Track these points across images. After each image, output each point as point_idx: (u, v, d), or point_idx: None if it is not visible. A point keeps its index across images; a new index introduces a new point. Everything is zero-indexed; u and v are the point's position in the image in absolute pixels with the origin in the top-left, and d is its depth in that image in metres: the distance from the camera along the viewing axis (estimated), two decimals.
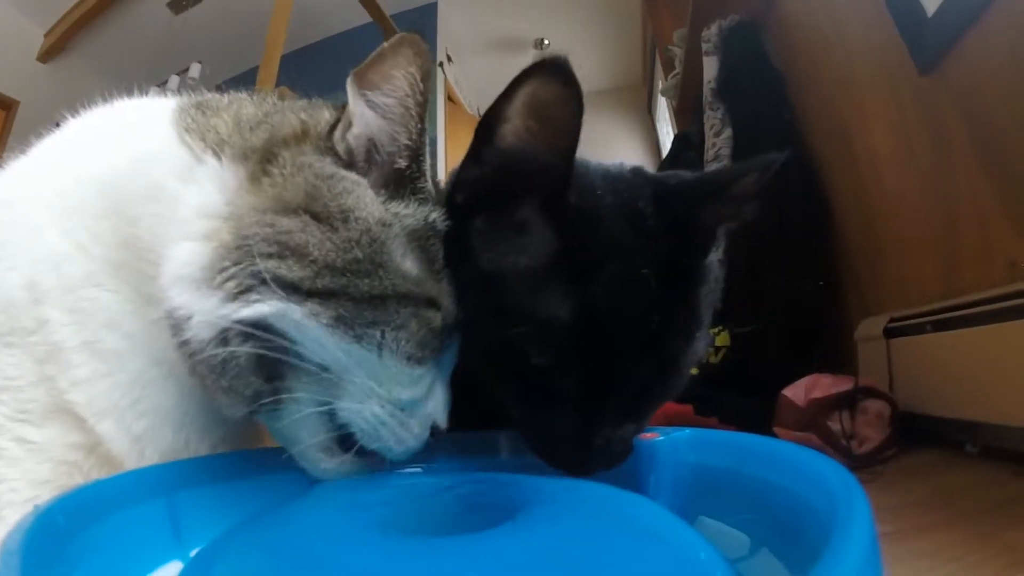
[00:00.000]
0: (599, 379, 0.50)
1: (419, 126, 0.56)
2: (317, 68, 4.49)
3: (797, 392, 1.55)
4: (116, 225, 0.54)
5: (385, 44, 0.55)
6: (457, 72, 5.24)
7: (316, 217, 0.51)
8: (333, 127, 0.57)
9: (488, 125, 0.53)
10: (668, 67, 3.58)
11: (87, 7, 4.42)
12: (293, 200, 0.51)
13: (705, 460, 0.49)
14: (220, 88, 0.73)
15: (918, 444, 1.46)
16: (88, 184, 0.56)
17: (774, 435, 1.53)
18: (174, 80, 4.60)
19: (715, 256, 0.57)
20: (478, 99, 5.82)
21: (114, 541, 0.41)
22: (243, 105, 0.62)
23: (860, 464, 1.36)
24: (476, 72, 5.56)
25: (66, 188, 0.56)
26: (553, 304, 0.49)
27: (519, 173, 0.52)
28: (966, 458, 1.29)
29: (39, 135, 0.64)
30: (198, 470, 0.53)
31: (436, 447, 0.58)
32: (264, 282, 0.48)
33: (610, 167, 0.59)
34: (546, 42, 5.33)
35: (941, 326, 1.42)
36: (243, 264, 0.49)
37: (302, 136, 0.57)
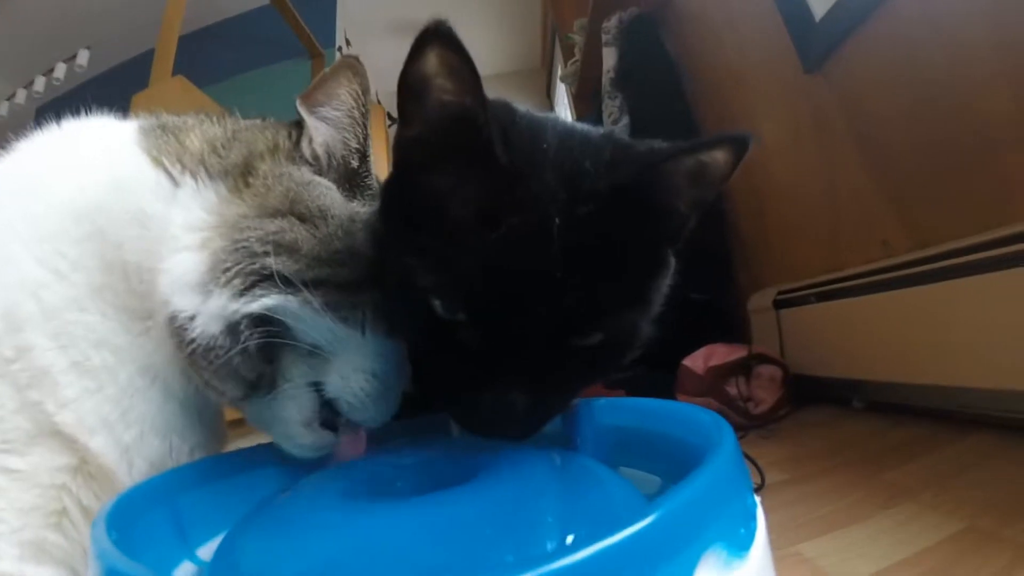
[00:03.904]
0: (495, 334, 0.50)
1: (364, 132, 0.65)
2: (212, 52, 4.27)
3: (696, 361, 1.67)
4: (98, 250, 0.57)
5: (326, 69, 0.63)
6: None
7: (300, 218, 0.58)
8: (298, 141, 0.64)
9: (414, 86, 0.52)
10: (568, 54, 3.61)
11: None
12: (277, 205, 0.58)
13: (617, 421, 0.58)
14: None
15: (811, 402, 1.60)
16: (62, 211, 0.57)
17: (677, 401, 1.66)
18: (61, 68, 4.32)
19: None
20: (377, 83, 5.69)
21: (136, 552, 0.42)
22: (207, 126, 0.66)
23: (757, 423, 1.50)
24: (376, 56, 5.38)
25: (36, 216, 0.56)
26: (458, 252, 0.49)
27: (457, 126, 0.51)
28: (853, 412, 1.44)
29: None
30: (191, 474, 0.56)
31: (396, 430, 0.65)
32: (264, 278, 0.54)
33: (582, 127, 0.59)
34: None
35: (825, 297, 1.56)
36: (243, 264, 0.54)
37: (275, 150, 0.63)
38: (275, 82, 4.34)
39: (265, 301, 0.53)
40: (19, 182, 0.60)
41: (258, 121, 0.68)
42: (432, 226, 0.51)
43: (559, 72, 4.30)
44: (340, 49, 4.58)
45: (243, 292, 0.53)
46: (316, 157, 0.63)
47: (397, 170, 0.58)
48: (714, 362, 1.65)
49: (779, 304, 1.79)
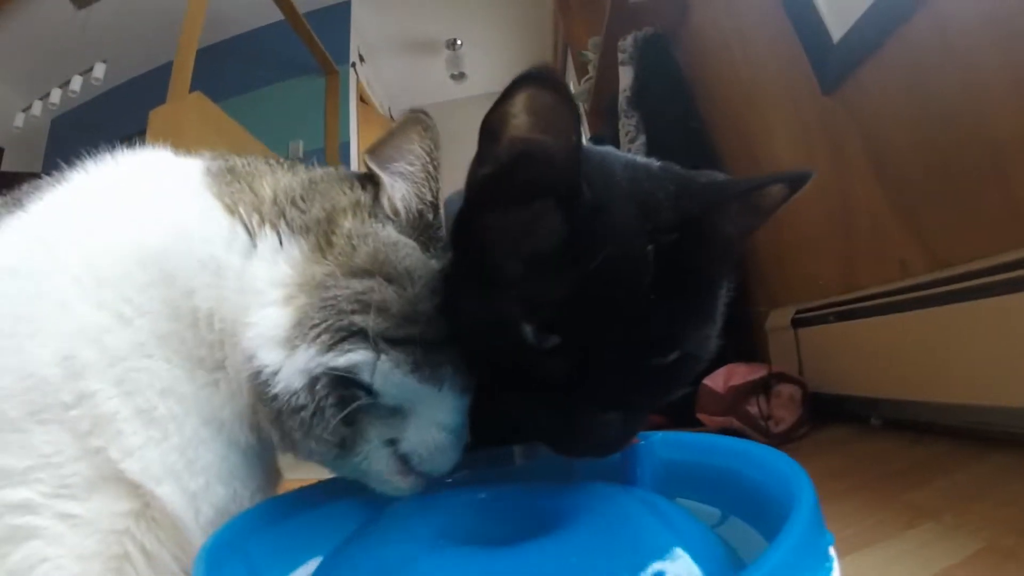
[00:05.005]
0: (585, 358, 0.52)
1: (437, 185, 0.65)
2: (227, 67, 4.28)
3: (716, 381, 1.68)
4: (165, 296, 0.55)
5: (395, 124, 0.64)
6: (369, 72, 5.16)
7: (388, 278, 0.58)
8: (376, 196, 0.64)
9: (492, 126, 0.53)
10: (581, 72, 3.62)
11: None
12: (365, 265, 0.58)
13: (674, 456, 0.60)
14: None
15: (829, 420, 1.61)
16: (126, 255, 0.55)
17: (698, 421, 1.68)
18: (77, 80, 4.38)
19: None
20: (390, 99, 5.73)
21: None
22: (280, 173, 0.65)
23: (777, 443, 1.49)
24: (388, 72, 5.44)
25: (97, 259, 0.55)
26: (549, 281, 0.50)
27: (532, 164, 0.52)
28: (871, 430, 1.45)
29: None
30: (257, 518, 0.56)
31: (468, 461, 0.65)
32: (352, 335, 0.54)
33: (637, 159, 0.60)
34: (458, 43, 5.33)
35: (843, 317, 1.56)
36: (330, 320, 0.54)
37: (357, 206, 0.63)
38: (289, 98, 4.40)
39: (352, 356, 0.54)
40: (73, 221, 0.58)
41: (331, 170, 0.68)
42: (516, 259, 0.53)
43: (572, 89, 4.30)
44: (354, 65, 4.62)
45: (331, 347, 0.54)
46: (396, 212, 0.64)
47: (470, 206, 0.59)
48: (734, 381, 1.65)
49: (797, 323, 1.79)
